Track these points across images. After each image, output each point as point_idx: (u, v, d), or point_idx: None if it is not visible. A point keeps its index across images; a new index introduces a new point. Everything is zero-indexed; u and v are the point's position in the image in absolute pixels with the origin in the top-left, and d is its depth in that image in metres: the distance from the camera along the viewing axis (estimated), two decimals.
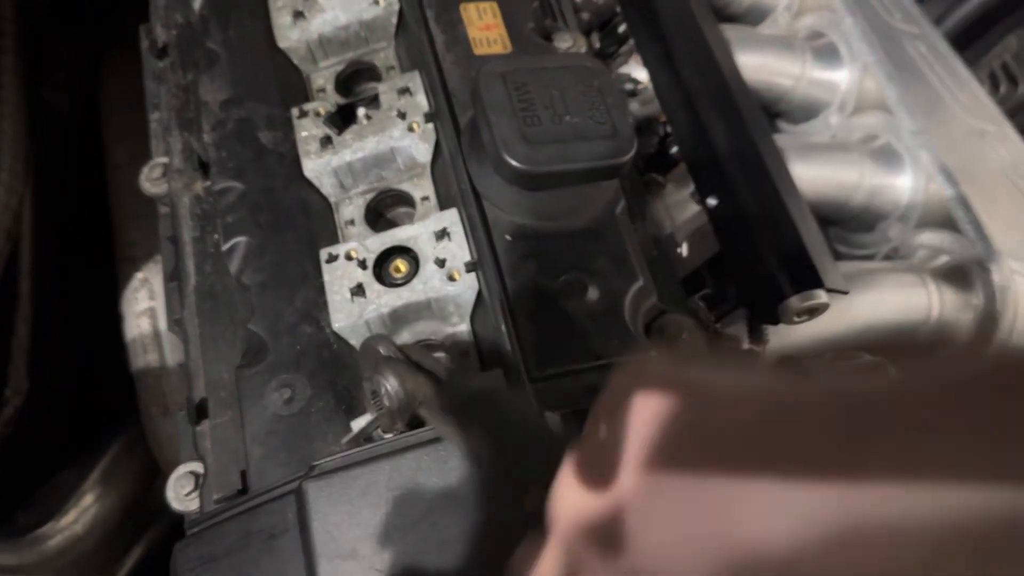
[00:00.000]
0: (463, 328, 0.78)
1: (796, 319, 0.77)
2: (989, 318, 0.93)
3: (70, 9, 1.27)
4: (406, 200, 0.88)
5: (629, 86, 0.96)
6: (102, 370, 1.14)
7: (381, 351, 0.58)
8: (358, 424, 0.69)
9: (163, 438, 1.04)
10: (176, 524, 0.76)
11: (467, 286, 0.76)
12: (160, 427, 1.05)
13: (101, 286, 1.16)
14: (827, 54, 1.08)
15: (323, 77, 0.95)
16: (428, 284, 0.76)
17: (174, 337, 0.88)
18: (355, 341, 0.77)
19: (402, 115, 0.86)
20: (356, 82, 0.96)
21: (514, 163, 0.70)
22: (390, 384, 0.58)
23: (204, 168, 0.88)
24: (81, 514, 0.99)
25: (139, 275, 1.12)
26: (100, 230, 1.19)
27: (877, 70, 1.04)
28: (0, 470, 1.02)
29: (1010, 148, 1.08)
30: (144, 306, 1.10)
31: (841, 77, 1.07)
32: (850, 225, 1.05)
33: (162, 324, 1.09)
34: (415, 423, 0.70)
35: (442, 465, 0.62)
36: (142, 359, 1.07)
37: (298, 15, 0.93)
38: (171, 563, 0.69)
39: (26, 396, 1.07)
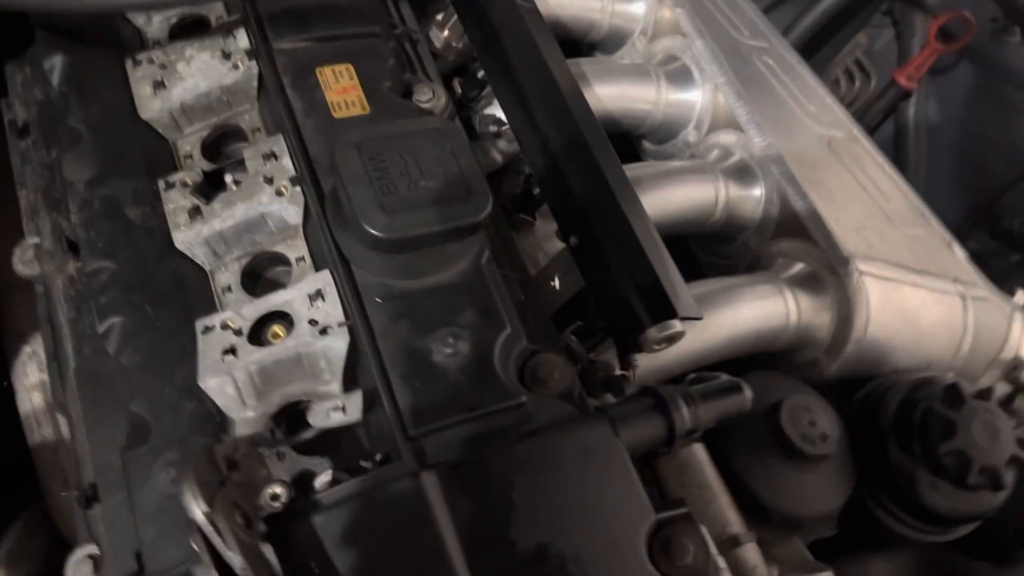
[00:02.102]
0: (335, 387, 0.80)
1: (656, 347, 0.82)
2: (844, 320, 1.00)
3: None
4: (283, 261, 0.90)
5: (493, 128, 1.00)
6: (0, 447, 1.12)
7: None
8: None
9: (65, 511, 1.04)
10: None
11: (336, 338, 0.78)
12: (62, 501, 1.04)
13: None
14: (681, 77, 1.14)
15: (189, 143, 0.96)
16: (300, 340, 0.78)
17: None
18: (221, 402, 0.78)
19: (269, 180, 0.87)
20: (223, 144, 0.97)
21: (373, 232, 0.73)
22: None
23: (74, 249, 0.88)
24: None
25: (27, 348, 1.11)
26: None
27: (727, 90, 1.10)
28: None
29: (857, 152, 1.16)
30: (35, 379, 1.09)
31: (695, 97, 1.14)
32: (713, 238, 1.11)
33: None
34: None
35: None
36: (37, 434, 1.06)
37: (158, 85, 0.94)
38: None
39: None
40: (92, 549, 0.77)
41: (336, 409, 0.73)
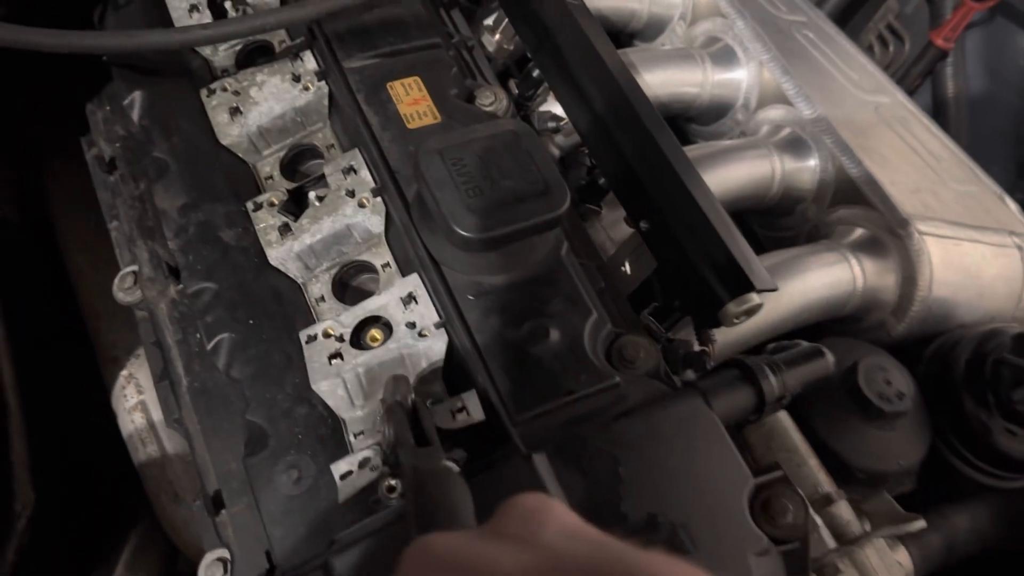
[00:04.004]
0: (436, 385, 0.85)
1: (735, 321, 0.86)
2: (908, 280, 1.03)
3: (5, 125, 1.30)
4: (369, 268, 0.94)
5: (551, 124, 1.04)
6: (106, 467, 1.19)
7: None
8: (338, 469, 0.77)
9: (178, 522, 1.10)
10: None
11: (436, 339, 0.83)
12: (173, 513, 1.10)
13: (89, 386, 1.20)
14: (725, 57, 1.17)
15: (268, 165, 1.01)
16: (401, 342, 0.83)
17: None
18: (332, 403, 0.83)
19: (351, 193, 0.92)
20: (300, 162, 1.02)
21: (464, 232, 0.78)
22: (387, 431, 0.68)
23: (175, 273, 0.93)
24: None
25: (124, 372, 1.17)
26: (77, 332, 1.24)
27: (773, 66, 1.13)
28: None
29: (903, 115, 1.18)
30: (134, 401, 1.15)
31: (741, 76, 1.17)
32: (772, 211, 1.15)
33: (155, 415, 1.14)
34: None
35: None
36: (142, 452, 1.12)
37: (235, 111, 0.99)
38: None
39: (35, 507, 1.11)
40: (222, 552, 0.82)
41: (460, 411, 0.78)
